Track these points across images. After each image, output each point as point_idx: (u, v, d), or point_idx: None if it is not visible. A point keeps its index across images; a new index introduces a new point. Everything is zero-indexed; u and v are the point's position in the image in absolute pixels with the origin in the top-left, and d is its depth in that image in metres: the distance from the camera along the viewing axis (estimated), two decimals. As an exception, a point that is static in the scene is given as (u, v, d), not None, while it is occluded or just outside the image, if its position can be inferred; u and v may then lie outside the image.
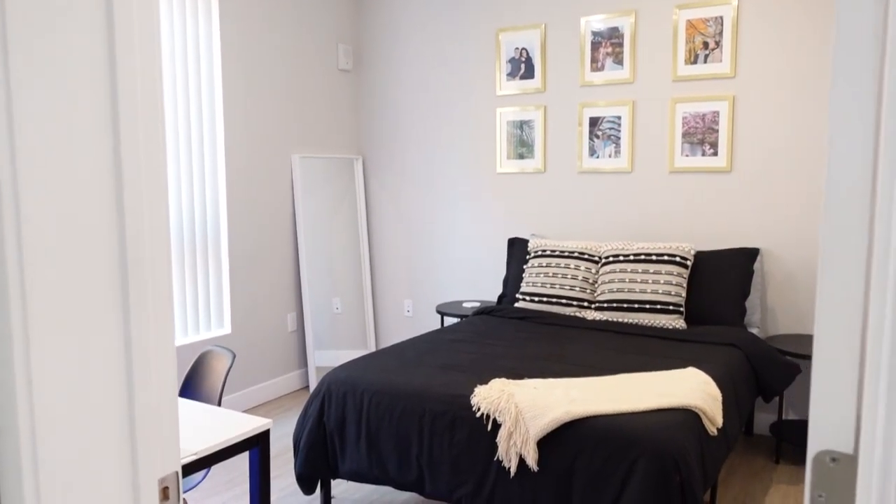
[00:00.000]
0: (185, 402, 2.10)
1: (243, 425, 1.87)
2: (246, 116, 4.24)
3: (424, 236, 4.89)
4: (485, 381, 2.63)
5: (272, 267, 4.49)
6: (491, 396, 2.46)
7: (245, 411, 4.29)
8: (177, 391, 1.05)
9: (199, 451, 1.62)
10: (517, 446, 2.34)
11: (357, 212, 5.07)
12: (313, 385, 4.67)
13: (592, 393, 2.44)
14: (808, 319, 3.65)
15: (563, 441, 2.29)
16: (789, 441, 3.35)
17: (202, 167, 3.98)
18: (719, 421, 2.40)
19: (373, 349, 5.11)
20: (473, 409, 2.47)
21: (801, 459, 3.45)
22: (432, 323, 4.94)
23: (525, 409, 2.36)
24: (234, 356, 2.41)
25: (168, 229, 1.03)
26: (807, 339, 3.51)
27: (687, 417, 2.30)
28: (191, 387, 2.52)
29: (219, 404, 2.29)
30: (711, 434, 2.37)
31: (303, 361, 4.79)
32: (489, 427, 2.43)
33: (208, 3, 3.97)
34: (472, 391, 2.55)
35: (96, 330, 0.91)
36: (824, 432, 0.62)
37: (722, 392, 2.59)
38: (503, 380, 2.59)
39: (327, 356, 5.12)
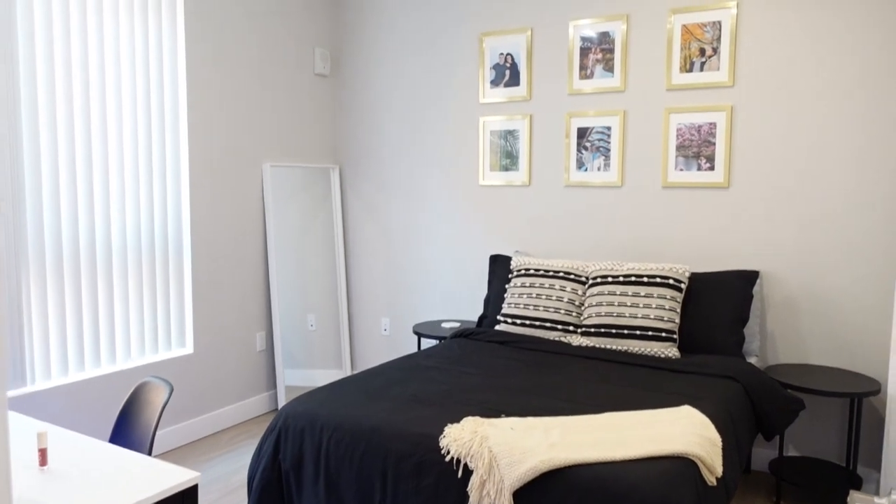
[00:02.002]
0: (97, 448, 1.81)
1: (164, 481, 1.58)
2: (213, 122, 3.96)
3: (403, 251, 4.62)
4: (457, 419, 2.36)
5: (240, 283, 4.20)
6: (462, 438, 2.19)
7: (209, 436, 4.00)
8: (10, 485, 0.77)
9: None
10: (490, 497, 2.06)
11: (333, 224, 4.80)
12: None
13: (576, 436, 2.17)
14: (811, 348, 3.39)
15: (543, 492, 2.02)
16: (791, 481, 3.09)
17: (163, 175, 3.69)
18: (718, 470, 2.13)
19: (348, 369, 4.82)
20: (442, 451, 2.20)
21: (804, 500, 3.18)
22: (410, 342, 4.66)
23: (500, 454, 2.09)
24: (172, 389, 2.12)
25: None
26: (809, 370, 3.25)
27: (683, 467, 2.03)
28: (125, 423, 2.23)
29: (150, 446, 2.01)
30: (710, 484, 2.10)
31: (272, 383, 4.50)
32: (460, 473, 2.15)
33: (172, 1, 3.70)
34: (441, 430, 2.27)
35: None
36: None
37: (721, 434, 2.33)
38: (476, 418, 2.31)
39: (301, 375, 4.83)
